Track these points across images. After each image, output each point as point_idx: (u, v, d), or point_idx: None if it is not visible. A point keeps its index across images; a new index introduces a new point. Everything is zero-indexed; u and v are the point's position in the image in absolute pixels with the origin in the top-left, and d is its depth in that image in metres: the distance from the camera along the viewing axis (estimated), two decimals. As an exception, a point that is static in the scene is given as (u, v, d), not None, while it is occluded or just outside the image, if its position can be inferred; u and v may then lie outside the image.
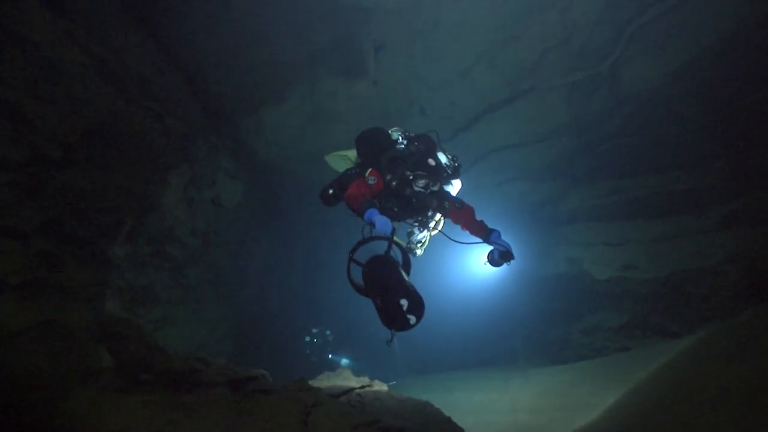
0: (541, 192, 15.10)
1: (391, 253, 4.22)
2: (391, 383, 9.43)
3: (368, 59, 11.12)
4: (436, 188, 5.05)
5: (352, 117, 12.40)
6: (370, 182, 4.94)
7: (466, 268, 14.73)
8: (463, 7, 10.03)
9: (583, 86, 11.92)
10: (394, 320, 3.59)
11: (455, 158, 5.33)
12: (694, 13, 9.97)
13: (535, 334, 15.22)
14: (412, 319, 3.58)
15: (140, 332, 7.28)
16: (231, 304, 13.11)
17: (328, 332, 17.61)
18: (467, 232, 5.30)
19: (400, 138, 5.58)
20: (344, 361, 17.81)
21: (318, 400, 5.96)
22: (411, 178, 4.93)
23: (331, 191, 5.91)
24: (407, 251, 4.68)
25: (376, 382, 7.45)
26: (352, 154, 6.49)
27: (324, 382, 7.49)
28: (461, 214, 5.25)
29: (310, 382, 7.05)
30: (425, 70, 11.41)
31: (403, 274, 4.00)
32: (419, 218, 5.30)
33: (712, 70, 10.76)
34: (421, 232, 5.42)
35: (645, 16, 10.32)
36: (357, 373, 8.34)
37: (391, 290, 3.69)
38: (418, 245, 5.47)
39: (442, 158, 5.22)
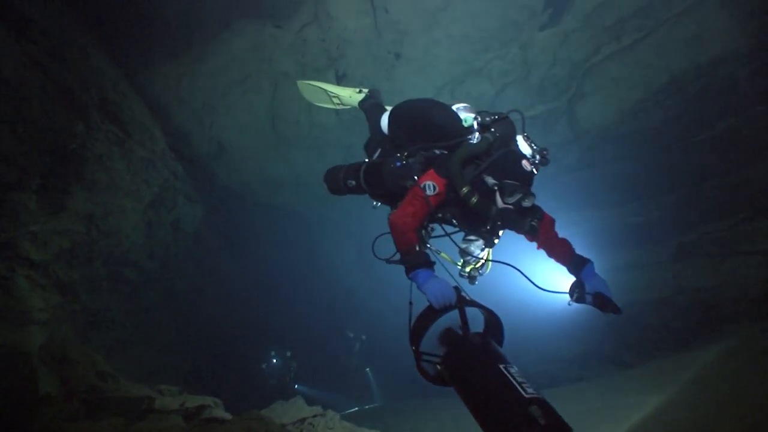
0: (499, 222, 15.17)
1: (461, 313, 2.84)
2: (344, 412, 9.40)
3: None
4: (529, 204, 3.37)
5: (313, 144, 12.50)
6: (429, 193, 3.23)
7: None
8: (424, 41, 10.26)
9: (542, 120, 12.22)
10: None
11: (544, 152, 3.56)
12: (646, 54, 10.35)
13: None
14: None
15: (91, 358, 7.20)
16: (188, 329, 12.95)
17: (288, 354, 17.11)
18: (543, 251, 3.77)
19: (475, 125, 3.59)
20: (298, 387, 17.30)
21: (269, 429, 5.98)
22: (496, 189, 3.26)
23: (352, 183, 4.03)
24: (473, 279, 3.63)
25: (329, 411, 7.46)
26: (345, 94, 5.45)
27: (277, 410, 7.47)
28: (540, 227, 3.61)
29: (262, 411, 7.07)
30: (387, 101, 11.47)
31: (517, 380, 2.39)
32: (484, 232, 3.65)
33: (662, 108, 11.12)
34: (483, 249, 3.81)
35: (600, 55, 10.71)
36: (321, 400, 8.31)
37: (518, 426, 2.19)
38: (479, 268, 3.82)
39: (525, 149, 3.55)
